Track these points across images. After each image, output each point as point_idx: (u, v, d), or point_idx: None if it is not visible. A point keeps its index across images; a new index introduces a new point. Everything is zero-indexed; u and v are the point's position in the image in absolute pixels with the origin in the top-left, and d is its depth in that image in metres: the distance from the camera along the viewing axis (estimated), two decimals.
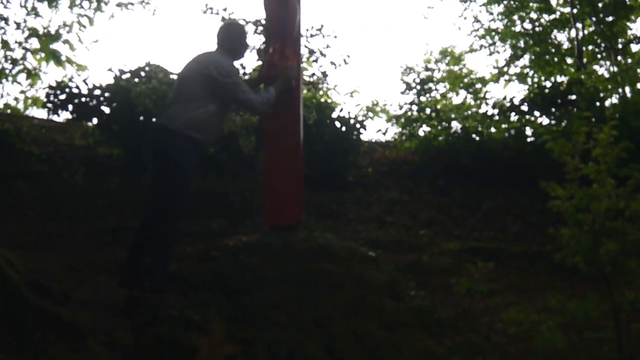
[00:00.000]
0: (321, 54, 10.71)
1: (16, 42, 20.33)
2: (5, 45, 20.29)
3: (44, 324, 6.32)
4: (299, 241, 7.55)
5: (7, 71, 20.56)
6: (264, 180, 8.20)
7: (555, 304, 6.41)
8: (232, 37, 7.78)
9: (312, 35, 10.65)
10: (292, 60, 7.87)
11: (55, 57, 20.62)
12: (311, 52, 10.71)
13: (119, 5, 20.67)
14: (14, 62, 20.48)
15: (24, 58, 20.60)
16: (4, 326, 6.04)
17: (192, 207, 7.58)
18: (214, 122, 7.52)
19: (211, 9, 10.41)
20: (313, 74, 11.32)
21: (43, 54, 20.70)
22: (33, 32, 20.35)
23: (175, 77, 11.20)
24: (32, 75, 20.85)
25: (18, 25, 20.25)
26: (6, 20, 20.07)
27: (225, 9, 10.47)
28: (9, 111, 20.10)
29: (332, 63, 10.84)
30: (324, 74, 10.99)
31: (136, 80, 11.72)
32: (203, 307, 6.57)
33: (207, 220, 11.57)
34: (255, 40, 10.59)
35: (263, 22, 9.29)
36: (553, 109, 14.18)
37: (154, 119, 11.94)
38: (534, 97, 14.62)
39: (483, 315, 8.01)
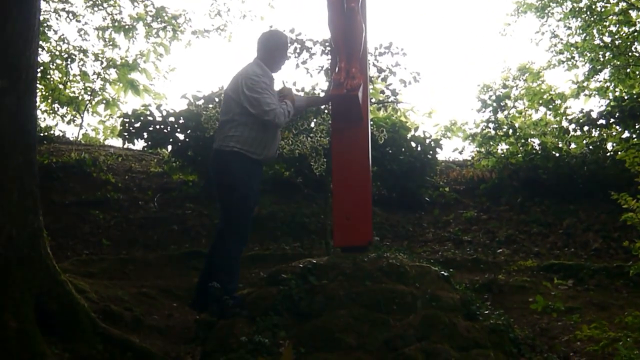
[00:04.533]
0: (390, 72, 10.57)
1: (95, 73, 20.63)
2: (85, 77, 20.61)
3: (115, 351, 6.33)
4: (369, 261, 7.43)
5: (86, 102, 20.85)
6: (334, 200, 8.11)
7: (632, 320, 6.19)
8: (269, 46, 7.76)
9: (380, 54, 10.51)
10: (359, 78, 7.76)
11: (133, 86, 20.90)
12: (380, 70, 10.58)
13: (194, 33, 20.80)
14: (93, 93, 20.75)
15: (103, 89, 20.89)
16: (74, 353, 6.05)
17: (253, 228, 7.57)
18: (264, 139, 7.47)
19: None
20: (382, 92, 11.18)
21: (121, 84, 20.95)
22: (111, 63, 20.60)
23: None
24: (111, 105, 21.13)
25: (97, 57, 20.55)
26: (85, 52, 20.38)
27: (292, 30, 10.44)
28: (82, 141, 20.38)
29: (402, 81, 10.69)
30: (394, 92, 10.84)
31: (210, 106, 11.73)
32: (272, 331, 6.51)
33: (282, 243, 11.56)
34: (323, 60, 10.53)
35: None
36: (632, 122, 13.85)
37: None
38: (611, 111, 14.34)
39: (561, 333, 7.80)
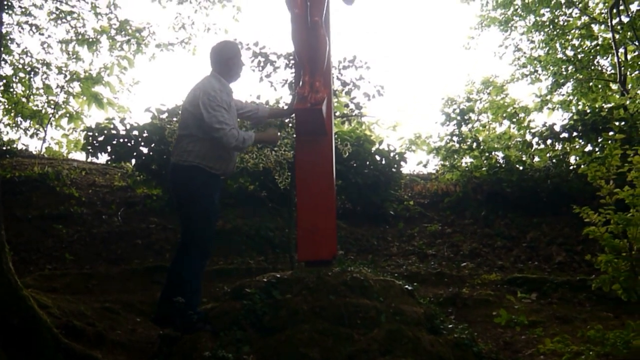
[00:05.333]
0: (354, 85, 10.57)
1: (58, 86, 20.54)
2: (48, 89, 20.51)
3: None
4: (334, 275, 7.42)
5: (50, 115, 20.75)
6: (298, 214, 8.09)
7: (595, 334, 6.21)
8: (223, 58, 7.70)
9: (344, 67, 10.51)
10: (323, 92, 7.75)
11: (96, 100, 20.82)
12: (344, 84, 10.57)
13: (158, 46, 20.77)
14: (57, 106, 20.66)
15: (66, 102, 20.79)
16: None
17: (215, 240, 7.55)
18: (222, 154, 7.42)
19: (240, 44, 10.33)
20: (346, 106, 11.19)
21: (85, 98, 20.86)
22: (75, 76, 20.51)
23: None
24: (75, 118, 21.04)
25: (60, 70, 20.46)
26: (48, 65, 20.29)
27: (256, 44, 10.42)
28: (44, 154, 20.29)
29: (366, 95, 10.70)
30: (358, 106, 10.84)
31: (174, 119, 11.70)
32: (236, 345, 6.48)
33: (246, 257, 11.54)
34: (287, 74, 10.52)
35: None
36: (595, 136, 13.97)
37: None
38: (574, 124, 14.46)
39: (525, 347, 7.82)
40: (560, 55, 24.40)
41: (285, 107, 9.51)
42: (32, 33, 19.91)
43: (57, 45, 20.59)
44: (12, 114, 20.41)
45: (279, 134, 8.06)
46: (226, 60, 7.68)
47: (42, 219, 12.81)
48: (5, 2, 16.69)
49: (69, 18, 19.92)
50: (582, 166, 7.19)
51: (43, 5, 20.11)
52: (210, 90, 7.32)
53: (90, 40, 20.25)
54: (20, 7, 19.61)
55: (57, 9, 19.82)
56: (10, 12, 19.03)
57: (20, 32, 19.95)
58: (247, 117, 8.25)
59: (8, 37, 19.17)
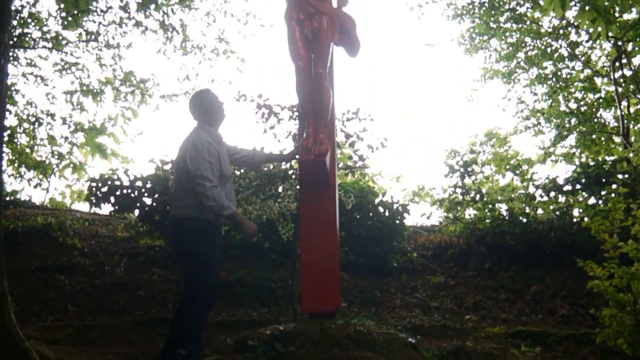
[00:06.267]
0: (358, 137, 10.61)
1: (62, 136, 20.60)
2: (52, 140, 20.56)
3: None
4: (337, 328, 7.39)
5: (53, 166, 20.79)
6: (301, 266, 8.09)
7: None
8: (204, 108, 7.77)
9: (348, 119, 10.56)
10: (327, 144, 7.78)
11: (100, 150, 20.86)
12: (347, 136, 10.61)
13: (163, 97, 20.86)
14: (61, 156, 20.71)
15: (70, 152, 20.83)
16: None
17: (217, 291, 7.52)
18: None
19: (244, 96, 10.38)
20: (350, 157, 11.22)
21: (89, 148, 20.90)
22: (79, 127, 20.57)
23: None
24: (78, 169, 21.08)
25: (64, 121, 20.53)
26: (52, 116, 20.36)
27: (260, 95, 10.45)
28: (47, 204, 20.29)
29: (370, 146, 10.74)
30: (361, 158, 10.88)
31: None
32: None
33: (249, 309, 11.49)
34: (291, 125, 10.53)
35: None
36: (598, 189, 13.96)
37: None
38: (577, 177, 14.46)
39: None
40: (563, 108, 24.49)
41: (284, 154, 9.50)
42: (37, 84, 20.05)
43: (62, 96, 20.71)
44: (16, 165, 20.48)
45: (256, 229, 7.93)
46: (208, 110, 7.74)
47: (44, 270, 12.76)
48: (11, 54, 16.78)
49: (73, 69, 20.07)
50: (586, 219, 7.22)
51: (48, 57, 20.28)
52: (198, 144, 7.35)
53: (95, 91, 20.37)
54: (25, 58, 19.79)
55: (62, 60, 19.97)
56: (15, 63, 19.18)
57: (25, 82, 20.15)
58: (243, 163, 8.27)
59: (13, 88, 19.29)
